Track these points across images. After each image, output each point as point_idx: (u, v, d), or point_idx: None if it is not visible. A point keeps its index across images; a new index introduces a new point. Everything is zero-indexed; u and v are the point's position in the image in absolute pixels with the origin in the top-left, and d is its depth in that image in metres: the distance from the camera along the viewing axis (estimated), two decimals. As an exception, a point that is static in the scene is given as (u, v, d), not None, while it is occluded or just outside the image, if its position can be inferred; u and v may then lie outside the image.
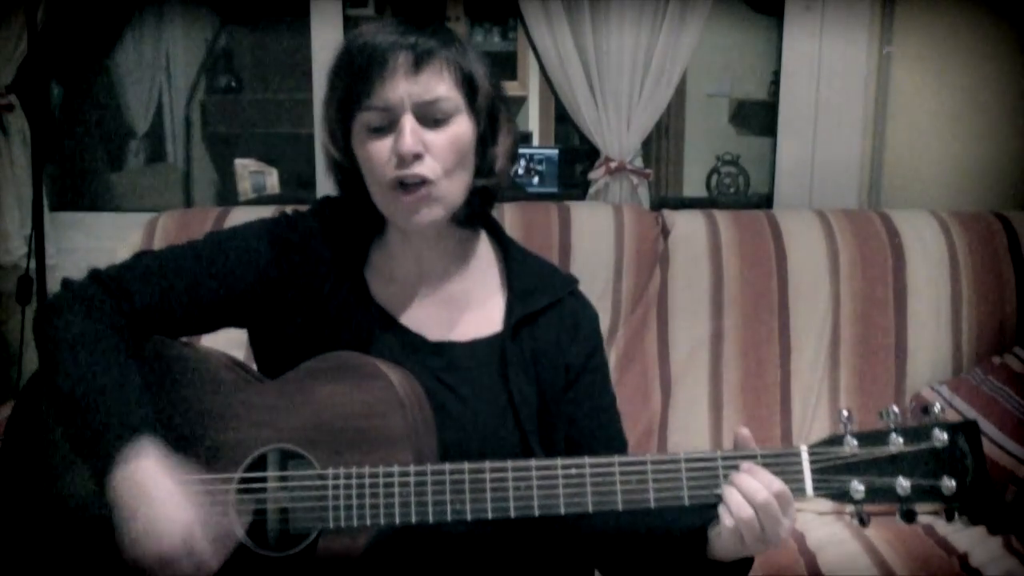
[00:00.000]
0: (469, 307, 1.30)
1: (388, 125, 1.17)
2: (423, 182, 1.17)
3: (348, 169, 1.25)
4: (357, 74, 1.16)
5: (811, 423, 2.02)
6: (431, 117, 1.17)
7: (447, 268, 1.30)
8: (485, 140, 1.24)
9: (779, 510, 1.07)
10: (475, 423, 1.23)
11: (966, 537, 1.81)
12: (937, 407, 1.08)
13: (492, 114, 1.24)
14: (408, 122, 1.16)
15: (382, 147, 1.17)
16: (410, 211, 1.19)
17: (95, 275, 1.27)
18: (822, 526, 1.88)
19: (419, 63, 1.16)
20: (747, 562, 1.17)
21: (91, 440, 1.15)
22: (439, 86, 1.17)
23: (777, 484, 1.07)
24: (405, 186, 1.18)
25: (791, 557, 1.74)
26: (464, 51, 1.21)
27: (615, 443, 1.32)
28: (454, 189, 1.21)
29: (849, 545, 1.78)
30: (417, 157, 1.16)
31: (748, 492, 1.07)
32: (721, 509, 1.10)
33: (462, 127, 1.19)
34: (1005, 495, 1.84)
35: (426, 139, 1.17)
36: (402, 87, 1.16)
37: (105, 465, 1.12)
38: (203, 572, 1.11)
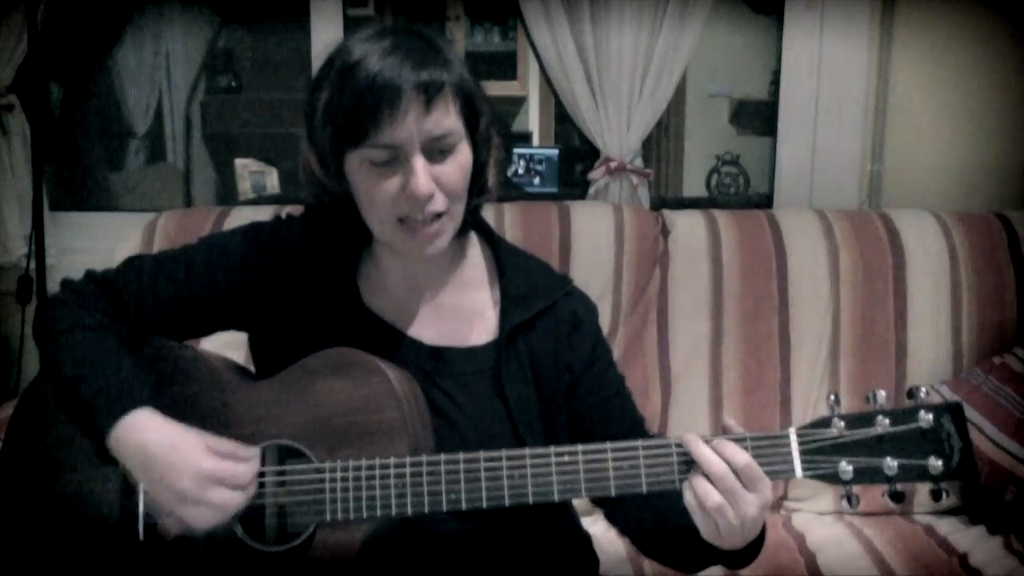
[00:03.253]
0: (463, 316, 1.29)
1: (393, 160, 1.12)
2: (435, 217, 1.16)
3: (337, 194, 1.20)
4: (363, 111, 1.09)
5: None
6: (437, 149, 1.13)
7: (439, 279, 1.29)
8: (482, 161, 1.21)
9: (736, 482, 1.07)
10: (471, 429, 1.23)
11: (966, 537, 1.81)
12: (923, 391, 1.09)
13: (487, 134, 1.21)
14: (419, 162, 1.12)
15: (389, 185, 1.13)
16: (420, 245, 1.17)
17: (91, 276, 1.29)
18: (822, 526, 1.89)
19: (430, 101, 1.11)
20: (756, 545, 1.17)
21: (88, 414, 1.17)
22: (446, 119, 1.13)
23: (742, 457, 1.07)
24: (415, 221, 1.15)
25: (791, 557, 1.74)
26: (462, 71, 1.16)
27: (633, 424, 1.33)
28: (458, 214, 1.20)
29: (849, 545, 1.78)
30: (429, 197, 1.13)
31: (703, 462, 1.08)
32: (684, 487, 1.10)
33: (464, 155, 1.16)
34: (1005, 495, 1.84)
35: (434, 173, 1.13)
36: (413, 126, 1.10)
37: (104, 434, 1.15)
38: (240, 493, 1.13)
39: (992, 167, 2.37)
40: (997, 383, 1.93)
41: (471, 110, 1.17)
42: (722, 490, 1.07)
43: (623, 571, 1.72)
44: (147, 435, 1.15)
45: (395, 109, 1.09)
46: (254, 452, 1.16)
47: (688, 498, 1.10)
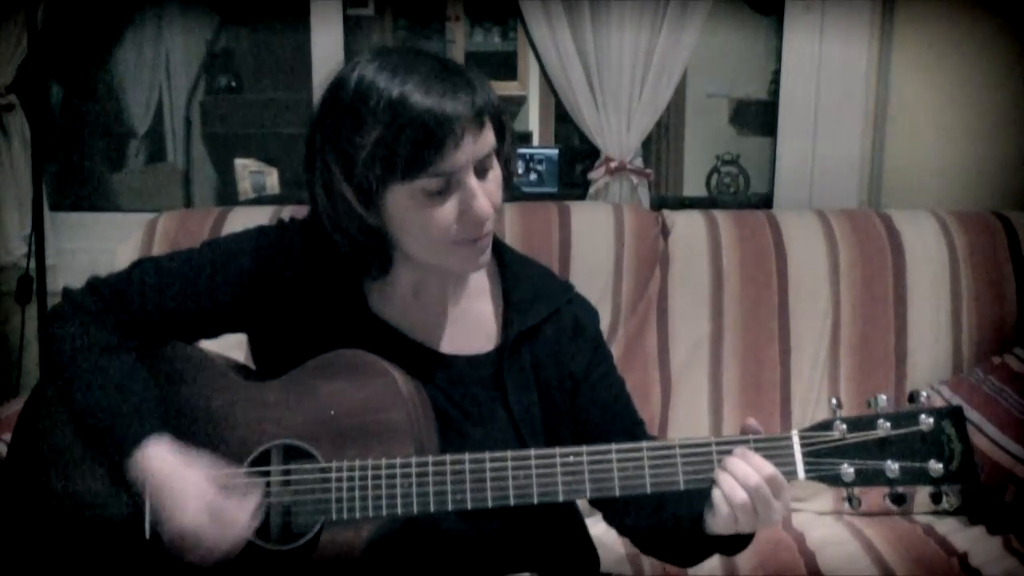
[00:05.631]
0: (468, 323, 1.30)
1: (446, 187, 1.13)
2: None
3: (368, 228, 1.19)
4: (425, 143, 1.09)
5: (811, 423, 2.02)
6: (481, 168, 1.16)
7: (446, 286, 1.30)
8: (508, 174, 1.24)
9: (771, 493, 1.09)
10: (475, 435, 1.24)
11: (966, 537, 1.81)
12: (924, 395, 1.11)
13: (511, 148, 1.23)
14: (476, 185, 1.14)
15: (446, 211, 1.14)
16: (472, 259, 1.19)
17: (94, 285, 1.29)
18: (822, 526, 1.89)
19: (481, 125, 1.13)
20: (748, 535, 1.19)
21: (105, 446, 1.20)
22: (489, 137, 1.16)
23: (768, 468, 1.09)
24: (468, 240, 1.17)
25: (791, 557, 1.74)
26: (491, 89, 1.18)
27: (635, 426, 1.34)
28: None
29: (849, 545, 1.78)
30: (489, 216, 1.16)
31: (740, 476, 1.09)
32: (715, 494, 1.11)
33: (498, 169, 1.19)
34: (1005, 495, 1.84)
35: (485, 191, 1.15)
36: (470, 152, 1.12)
37: (121, 465, 1.18)
38: (233, 535, 1.14)
39: (992, 167, 2.37)
40: (997, 383, 1.93)
41: (500, 127, 1.19)
42: (755, 499, 1.09)
43: (623, 571, 1.72)
44: (158, 464, 1.17)
45: (458, 137, 1.10)
46: (256, 489, 1.17)
47: (716, 495, 1.11)
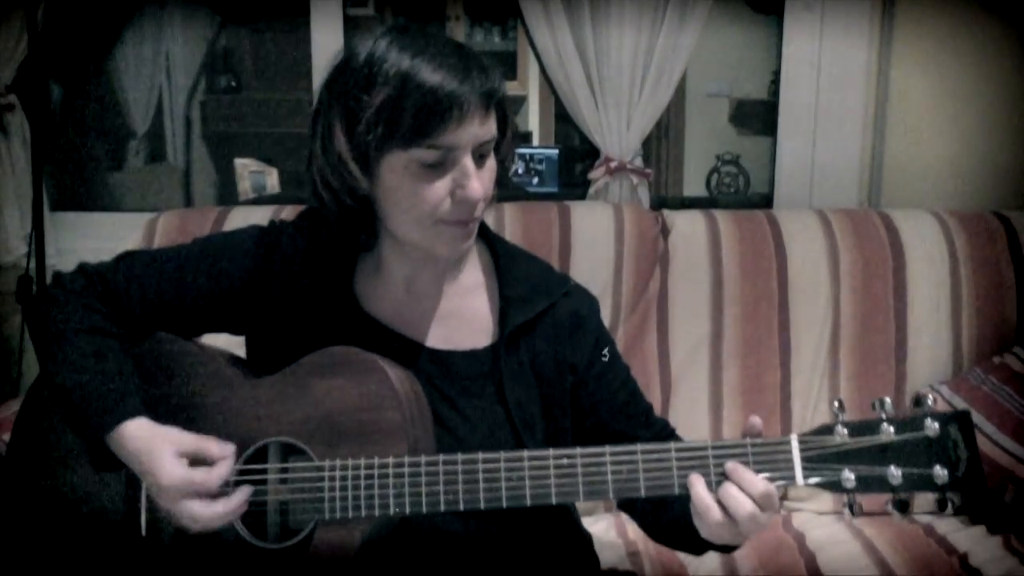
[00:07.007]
0: (463, 319, 1.29)
1: (442, 163, 1.13)
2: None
3: (363, 195, 1.19)
4: (431, 112, 1.10)
5: (811, 423, 2.01)
6: (479, 154, 1.16)
7: (439, 283, 1.29)
8: (505, 166, 1.25)
9: (760, 512, 1.07)
10: (471, 432, 1.24)
11: (966, 537, 1.81)
12: (930, 399, 1.07)
13: (511, 141, 1.24)
14: (472, 166, 1.14)
15: (438, 187, 1.14)
16: (457, 242, 1.19)
17: (84, 271, 1.30)
18: (822, 526, 1.88)
19: (487, 108, 1.14)
20: None
21: (82, 423, 1.20)
22: (492, 126, 1.17)
23: (760, 486, 1.07)
24: (453, 222, 1.17)
25: (791, 557, 1.74)
26: (502, 80, 1.18)
27: (642, 412, 1.34)
28: (482, 215, 1.22)
29: (849, 545, 1.78)
30: (480, 200, 1.16)
31: (732, 508, 1.08)
32: (696, 522, 1.12)
33: (493, 159, 1.20)
34: (1005, 495, 1.84)
35: (479, 177, 1.16)
36: (473, 131, 1.13)
37: (101, 443, 1.18)
38: (213, 505, 1.15)
39: (992, 167, 2.37)
40: (997, 383, 1.93)
41: (503, 122, 1.20)
42: (743, 522, 1.07)
43: (622, 570, 1.72)
44: (133, 445, 1.17)
45: (463, 113, 1.11)
46: (227, 451, 1.17)
47: (694, 517, 1.11)
